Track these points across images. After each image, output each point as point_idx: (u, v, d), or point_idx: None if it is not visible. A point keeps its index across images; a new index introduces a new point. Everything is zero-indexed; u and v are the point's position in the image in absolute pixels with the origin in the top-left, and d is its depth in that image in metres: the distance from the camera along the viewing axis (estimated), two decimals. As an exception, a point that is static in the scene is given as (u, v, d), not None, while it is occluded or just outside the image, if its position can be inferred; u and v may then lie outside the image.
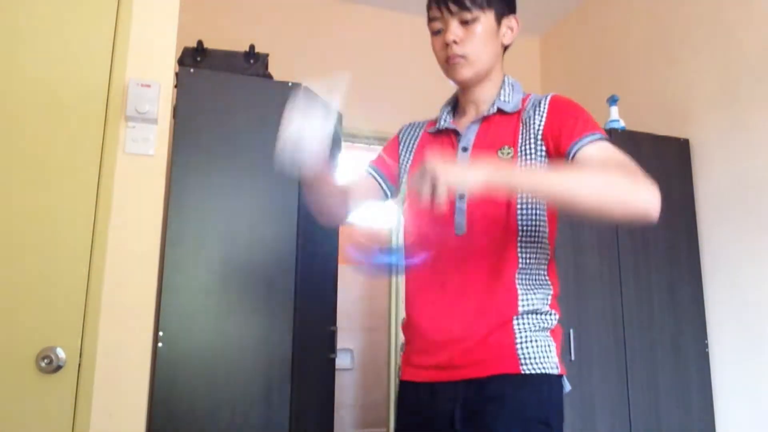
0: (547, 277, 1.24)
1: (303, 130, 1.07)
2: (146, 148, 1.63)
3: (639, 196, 1.03)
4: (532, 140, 1.22)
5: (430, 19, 1.27)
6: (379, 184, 1.40)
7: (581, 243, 2.51)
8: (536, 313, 1.20)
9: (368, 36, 3.71)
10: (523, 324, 1.18)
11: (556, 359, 1.20)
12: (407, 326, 1.31)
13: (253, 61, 2.34)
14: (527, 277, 1.21)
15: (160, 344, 1.92)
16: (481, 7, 1.22)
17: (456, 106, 1.37)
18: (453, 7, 1.22)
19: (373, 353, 5.06)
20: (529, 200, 1.22)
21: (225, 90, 2.18)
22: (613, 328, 2.49)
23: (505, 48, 1.32)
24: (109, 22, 1.66)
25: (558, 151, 1.18)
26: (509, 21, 1.29)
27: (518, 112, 1.26)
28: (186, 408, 1.93)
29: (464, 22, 1.22)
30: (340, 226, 1.92)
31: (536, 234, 1.22)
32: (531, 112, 1.24)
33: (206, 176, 2.09)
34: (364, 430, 4.99)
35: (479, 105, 1.31)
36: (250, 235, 2.10)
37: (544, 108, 1.23)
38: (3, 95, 1.56)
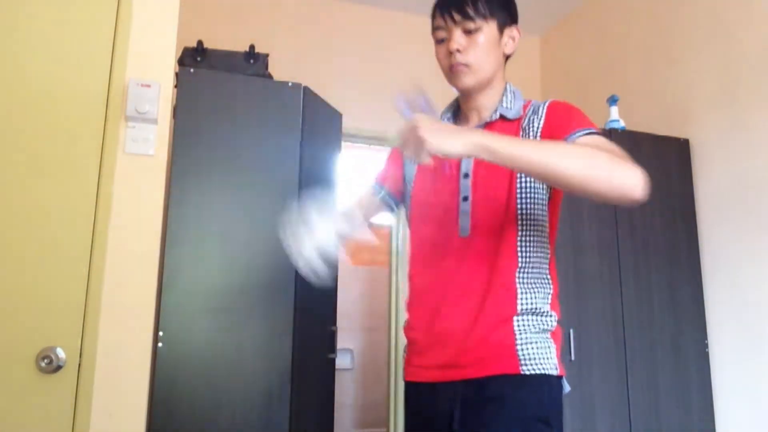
0: (548, 275, 1.25)
1: (312, 240, 1.08)
2: (146, 148, 1.63)
3: (623, 174, 1.04)
4: None
5: (435, 28, 1.30)
6: (385, 201, 1.42)
7: (581, 243, 2.51)
8: (536, 313, 1.21)
9: (368, 36, 3.72)
10: (524, 324, 1.19)
11: (555, 360, 1.20)
12: (409, 327, 1.32)
13: (253, 61, 2.34)
14: (527, 275, 1.22)
15: (160, 344, 1.93)
16: (484, 17, 1.25)
17: (457, 112, 1.39)
18: (457, 17, 1.25)
19: (373, 353, 5.06)
20: (530, 199, 1.23)
21: (225, 90, 2.18)
22: (613, 328, 2.49)
23: (507, 57, 1.34)
24: (109, 22, 1.66)
25: None
26: (511, 31, 1.31)
27: (519, 119, 1.28)
28: (186, 408, 1.93)
29: (467, 32, 1.25)
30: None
31: (537, 232, 1.23)
32: (531, 118, 1.27)
33: (206, 176, 2.09)
34: (364, 430, 5.00)
35: (481, 112, 1.33)
36: (250, 234, 2.10)
37: (543, 113, 1.25)
38: (3, 95, 1.56)
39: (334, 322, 2.45)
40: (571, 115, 1.22)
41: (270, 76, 2.38)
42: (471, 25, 1.24)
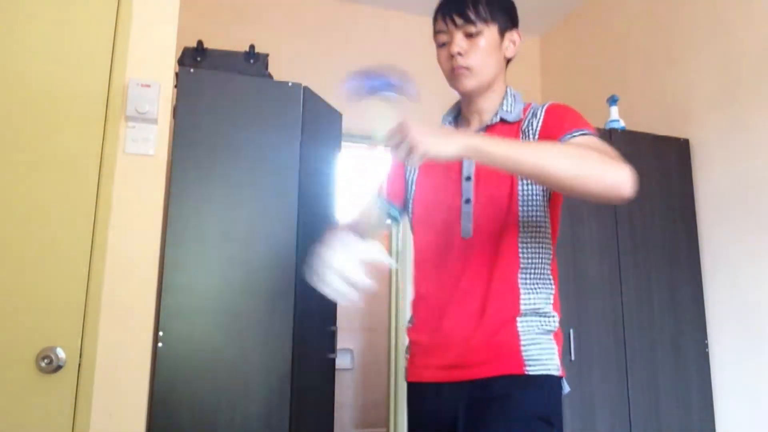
0: (549, 276, 1.26)
1: (338, 275, 1.09)
2: (146, 148, 1.63)
3: (611, 172, 1.05)
4: None
5: (436, 32, 1.31)
6: (389, 213, 1.43)
7: (581, 243, 2.51)
8: (538, 314, 1.22)
9: (368, 36, 3.72)
10: (527, 325, 1.20)
11: (557, 361, 1.22)
12: (414, 328, 1.33)
13: (253, 61, 2.34)
14: (529, 275, 1.23)
15: (160, 344, 1.93)
16: (485, 21, 1.26)
17: (458, 116, 1.40)
18: (458, 21, 1.26)
19: (373, 353, 5.06)
20: (531, 200, 1.24)
21: (225, 90, 2.18)
22: (613, 328, 2.49)
23: (508, 61, 1.35)
24: (109, 23, 1.66)
25: None
26: (512, 35, 1.32)
27: (519, 122, 1.29)
28: (186, 408, 1.93)
29: (469, 35, 1.26)
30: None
31: (538, 233, 1.24)
32: (530, 121, 1.28)
33: (206, 176, 2.09)
34: (364, 430, 5.00)
35: (482, 115, 1.33)
36: (250, 234, 2.10)
37: (541, 115, 1.27)
38: (3, 95, 1.56)
39: (334, 322, 2.45)
40: (566, 116, 1.23)
41: (270, 76, 2.38)
42: (472, 29, 1.26)
